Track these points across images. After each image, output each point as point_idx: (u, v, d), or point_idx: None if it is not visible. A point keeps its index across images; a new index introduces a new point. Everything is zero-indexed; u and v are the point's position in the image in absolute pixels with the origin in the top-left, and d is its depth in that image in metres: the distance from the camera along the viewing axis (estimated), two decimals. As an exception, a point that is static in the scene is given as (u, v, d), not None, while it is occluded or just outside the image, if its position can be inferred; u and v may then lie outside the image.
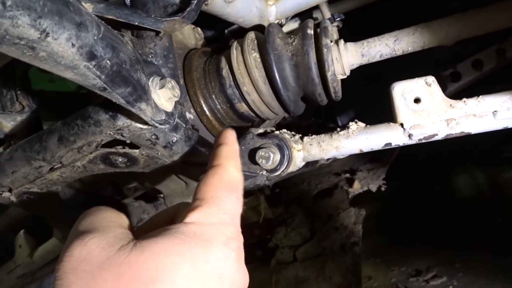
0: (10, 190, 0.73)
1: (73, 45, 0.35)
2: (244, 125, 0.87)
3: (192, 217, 0.44)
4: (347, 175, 2.06)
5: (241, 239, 0.47)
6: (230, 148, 0.55)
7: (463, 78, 1.64)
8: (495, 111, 0.66)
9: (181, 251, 0.40)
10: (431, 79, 0.69)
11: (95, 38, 0.38)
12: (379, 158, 2.00)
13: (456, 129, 0.68)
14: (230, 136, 0.57)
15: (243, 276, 0.45)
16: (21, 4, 0.30)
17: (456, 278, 1.56)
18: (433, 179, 2.27)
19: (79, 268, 0.40)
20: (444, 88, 1.81)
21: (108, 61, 0.40)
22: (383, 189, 1.93)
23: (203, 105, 0.81)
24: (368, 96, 1.37)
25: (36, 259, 1.12)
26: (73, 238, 0.43)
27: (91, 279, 0.39)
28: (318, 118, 1.56)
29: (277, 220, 2.16)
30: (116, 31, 0.48)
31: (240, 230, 0.48)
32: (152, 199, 1.02)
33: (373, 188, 1.94)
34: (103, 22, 0.41)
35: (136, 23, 0.60)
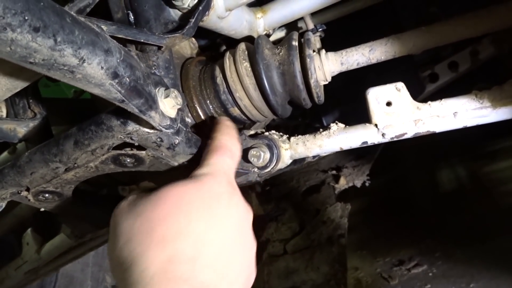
0: (28, 190, 0.81)
1: (102, 67, 0.44)
2: (236, 127, 0.96)
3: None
4: (334, 172, 2.16)
5: (228, 180, 0.68)
6: (221, 124, 0.79)
7: (440, 79, 1.73)
8: (455, 112, 0.76)
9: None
10: (400, 85, 0.79)
11: (118, 60, 0.47)
12: (363, 155, 2.10)
13: (422, 128, 0.78)
14: (223, 118, 0.83)
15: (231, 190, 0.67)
16: (67, 39, 0.38)
17: (435, 266, 1.66)
18: (418, 174, 2.38)
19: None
20: (422, 89, 1.89)
21: (127, 79, 0.49)
22: (367, 184, 2.03)
23: (199, 110, 0.89)
24: (352, 97, 1.46)
25: (44, 255, 1.19)
26: None
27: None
28: (305, 118, 1.65)
29: (268, 216, 2.25)
30: (128, 49, 0.56)
31: (232, 177, 0.70)
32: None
33: (358, 183, 2.04)
34: (121, 46, 0.50)
35: (142, 40, 0.68)
